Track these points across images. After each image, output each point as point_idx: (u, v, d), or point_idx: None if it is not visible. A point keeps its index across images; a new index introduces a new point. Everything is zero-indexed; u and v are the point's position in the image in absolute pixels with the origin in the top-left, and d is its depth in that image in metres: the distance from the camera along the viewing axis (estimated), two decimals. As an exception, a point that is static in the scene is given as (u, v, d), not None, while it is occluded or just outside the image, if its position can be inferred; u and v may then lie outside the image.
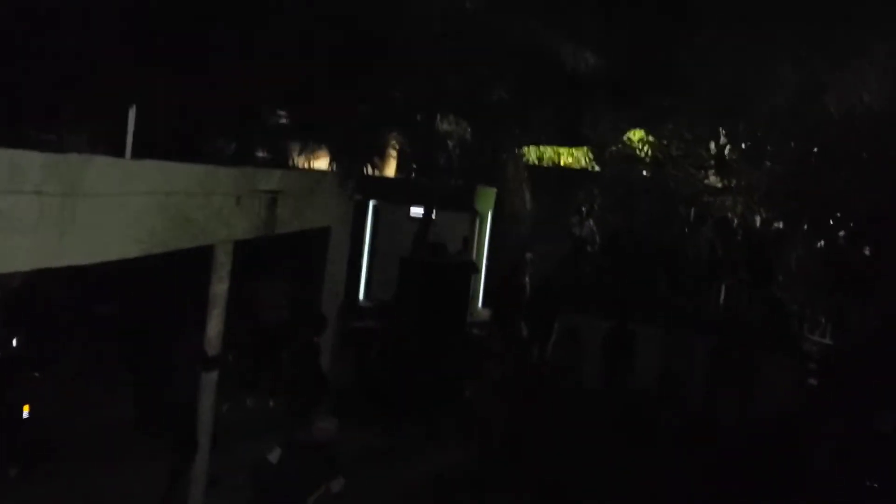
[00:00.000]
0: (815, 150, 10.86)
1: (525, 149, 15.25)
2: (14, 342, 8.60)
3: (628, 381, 12.19)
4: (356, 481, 8.99)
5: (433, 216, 13.89)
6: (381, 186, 16.07)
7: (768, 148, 11.72)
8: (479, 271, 16.78)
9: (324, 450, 6.54)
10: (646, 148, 13.10)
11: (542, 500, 8.85)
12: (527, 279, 14.17)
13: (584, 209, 15.10)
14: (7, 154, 5.06)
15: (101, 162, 5.91)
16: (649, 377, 12.35)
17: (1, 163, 5.00)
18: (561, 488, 8.52)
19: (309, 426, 6.60)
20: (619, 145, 13.23)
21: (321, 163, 13.21)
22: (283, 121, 13.12)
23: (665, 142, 12.80)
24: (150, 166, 6.53)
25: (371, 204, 16.76)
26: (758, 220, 12.76)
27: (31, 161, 5.24)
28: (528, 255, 14.54)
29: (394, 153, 17.81)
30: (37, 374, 9.12)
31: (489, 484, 9.20)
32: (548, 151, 15.72)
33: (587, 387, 12.13)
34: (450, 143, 13.50)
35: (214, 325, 7.95)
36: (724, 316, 13.00)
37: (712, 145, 12.76)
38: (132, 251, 6.41)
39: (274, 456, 6.33)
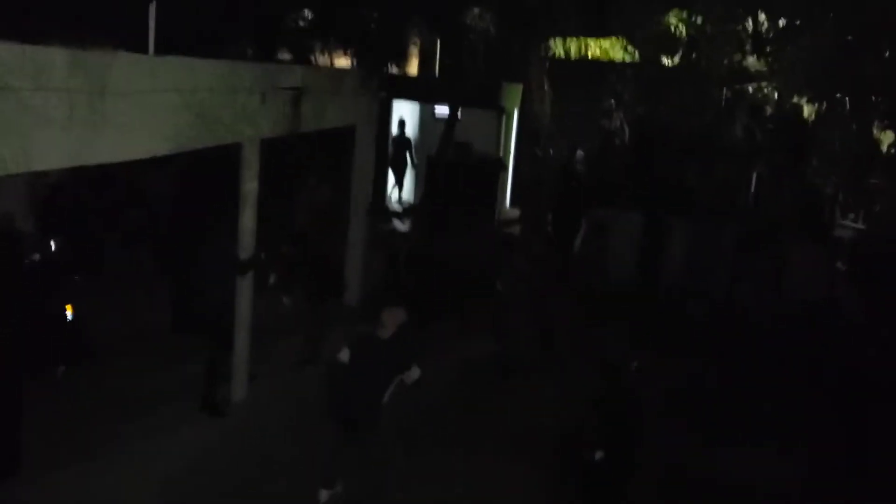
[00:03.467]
0: (857, 22, 10.38)
1: (551, 42, 14.85)
2: (52, 245, 8.74)
3: (659, 276, 12.22)
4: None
5: (458, 115, 13.73)
6: (404, 85, 15.87)
7: (807, 22, 11.20)
8: (506, 169, 16.71)
9: (393, 342, 6.43)
10: (680, 26, 12.60)
11: (564, 384, 9.04)
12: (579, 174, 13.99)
13: (612, 101, 14.81)
14: (30, 50, 5.03)
15: (126, 58, 5.86)
16: (677, 270, 12.37)
17: (24, 59, 4.98)
18: (584, 375, 8.68)
19: (375, 319, 6.47)
20: (653, 26, 12.72)
21: (343, 63, 13.03)
22: (302, 23, 12.92)
23: (699, 20, 12.27)
24: (174, 62, 6.49)
25: (394, 104, 16.59)
26: (794, 101, 12.37)
27: (56, 57, 5.22)
28: (580, 153, 14.32)
29: (416, 51, 17.54)
30: (77, 278, 9.35)
31: (512, 371, 9.46)
32: (575, 44, 15.30)
33: (614, 281, 12.20)
34: (473, 39, 13.18)
35: (247, 224, 8.03)
36: (754, 205, 12.86)
37: (749, 22, 12.25)
38: (161, 149, 6.44)
39: (344, 355, 6.36)
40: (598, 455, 6.19)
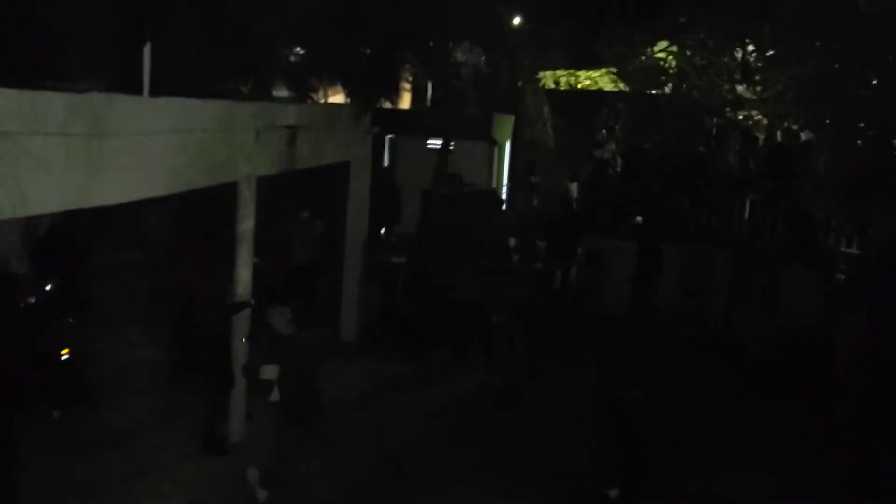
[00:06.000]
0: (843, 51, 10.52)
1: (542, 74, 15.01)
2: (48, 287, 8.70)
3: (654, 302, 12.26)
4: (383, 405, 9.34)
5: (451, 147, 13.80)
6: (397, 120, 15.96)
7: (794, 51, 11.36)
8: (501, 202, 16.76)
9: (300, 333, 6.92)
10: (669, 59, 12.77)
11: (560, 416, 9.01)
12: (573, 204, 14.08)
13: (603, 131, 14.93)
14: (29, 95, 5.05)
15: (123, 100, 5.89)
16: (672, 296, 12.42)
17: (23, 103, 5.00)
18: (580, 407, 8.67)
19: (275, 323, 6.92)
20: (643, 58, 12.88)
21: (337, 99, 13.12)
22: (294, 58, 13.00)
23: (688, 52, 12.43)
24: (170, 103, 6.51)
25: (388, 138, 16.66)
26: (785, 128, 12.49)
27: (54, 101, 5.24)
28: (573, 185, 14.44)
29: (408, 86, 17.67)
30: (71, 320, 9.29)
31: (511, 401, 9.42)
32: (565, 76, 15.47)
33: (610, 310, 12.22)
34: (464, 73, 13.32)
35: (243, 263, 8.02)
36: (748, 231, 12.93)
37: (738, 52, 12.41)
38: (158, 190, 6.45)
39: (269, 372, 6.82)
40: (614, 493, 6.17)
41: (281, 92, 12.29)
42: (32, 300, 8.21)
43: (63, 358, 8.40)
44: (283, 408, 6.87)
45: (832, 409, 8.79)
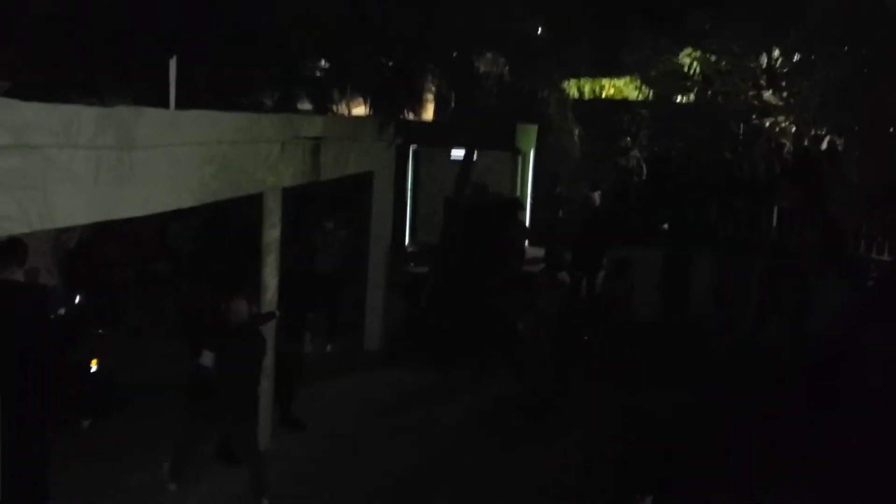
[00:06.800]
0: (871, 55, 10.37)
1: (565, 83, 14.98)
2: (76, 300, 8.82)
3: (684, 312, 12.14)
4: (406, 416, 9.33)
5: (474, 157, 13.81)
6: (420, 131, 16.03)
7: (821, 56, 11.21)
8: (524, 209, 16.74)
9: (250, 329, 7.12)
10: (694, 65, 12.67)
11: (588, 429, 8.93)
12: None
13: (628, 139, 14.85)
14: (58, 108, 5.12)
15: (151, 113, 5.95)
16: (701, 306, 12.30)
17: (53, 117, 5.07)
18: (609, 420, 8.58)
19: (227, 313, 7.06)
20: (667, 63, 12.78)
21: (360, 111, 13.17)
22: (318, 73, 13.10)
23: (713, 57, 12.31)
24: (197, 116, 6.57)
25: (412, 148, 16.74)
26: (812, 134, 12.34)
27: (83, 114, 5.30)
28: (596, 194, 14.39)
29: (431, 97, 17.73)
30: (101, 331, 9.40)
31: (539, 414, 9.35)
32: (589, 84, 15.43)
33: (638, 320, 12.13)
34: (487, 83, 13.31)
35: (269, 272, 8.06)
36: (777, 239, 12.78)
37: (763, 57, 12.28)
38: (186, 201, 6.50)
39: (207, 359, 6.99)
40: (649, 501, 6.10)
41: (305, 105, 12.39)
42: (62, 312, 8.32)
43: (92, 369, 8.51)
44: (210, 398, 7.06)
45: (862, 420, 8.63)
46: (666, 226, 12.69)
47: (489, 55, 13.06)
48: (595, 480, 7.34)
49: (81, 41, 9.67)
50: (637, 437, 6.30)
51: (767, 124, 12.74)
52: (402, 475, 7.94)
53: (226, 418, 7.15)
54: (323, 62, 12.49)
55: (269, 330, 8.10)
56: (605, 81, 15.25)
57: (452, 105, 16.84)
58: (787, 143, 12.76)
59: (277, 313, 8.14)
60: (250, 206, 8.17)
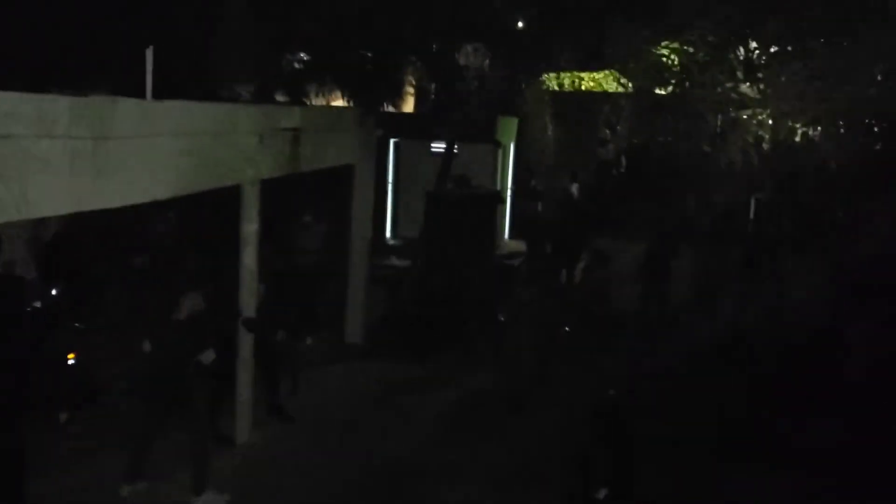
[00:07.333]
0: (847, 44, 10.46)
1: (545, 76, 15.01)
2: (53, 292, 8.74)
3: (663, 303, 12.23)
4: (387, 408, 9.35)
5: (455, 150, 13.81)
6: (401, 123, 16.00)
7: (797, 48, 11.30)
8: (504, 202, 16.76)
9: (187, 323, 7.06)
10: (672, 56, 12.71)
11: (564, 419, 8.99)
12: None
13: (607, 132, 14.91)
14: (34, 98, 5.08)
15: (127, 104, 5.92)
16: (681, 296, 12.40)
17: (28, 107, 5.03)
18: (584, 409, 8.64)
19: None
20: (646, 56, 12.81)
21: (338, 103, 13.13)
22: (298, 65, 13.05)
23: (691, 49, 12.36)
24: (174, 107, 6.54)
25: (392, 141, 16.70)
26: (789, 126, 12.44)
27: (58, 105, 5.27)
28: (574, 186, 14.42)
29: (411, 89, 17.70)
30: (77, 325, 9.34)
31: (517, 404, 9.40)
32: (568, 77, 15.46)
33: (618, 311, 12.19)
34: (468, 75, 13.32)
35: (247, 265, 8.04)
36: (754, 230, 12.89)
37: (741, 49, 12.36)
38: (162, 192, 6.47)
39: (145, 346, 7.13)
40: (603, 493, 6.16)
41: (283, 97, 12.34)
42: (39, 305, 8.24)
43: (69, 362, 8.44)
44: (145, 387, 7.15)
45: (843, 411, 8.70)
46: (644, 217, 12.75)
47: (469, 48, 13.07)
48: (568, 469, 7.39)
49: (59, 32, 9.59)
50: (599, 431, 6.37)
51: (745, 116, 12.84)
52: (383, 465, 7.96)
53: (159, 409, 7.17)
54: (303, 55, 12.43)
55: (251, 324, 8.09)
56: (585, 75, 15.29)
57: (433, 97, 16.80)
58: (765, 135, 12.86)
59: (242, 312, 8.08)
60: (229, 198, 8.12)
